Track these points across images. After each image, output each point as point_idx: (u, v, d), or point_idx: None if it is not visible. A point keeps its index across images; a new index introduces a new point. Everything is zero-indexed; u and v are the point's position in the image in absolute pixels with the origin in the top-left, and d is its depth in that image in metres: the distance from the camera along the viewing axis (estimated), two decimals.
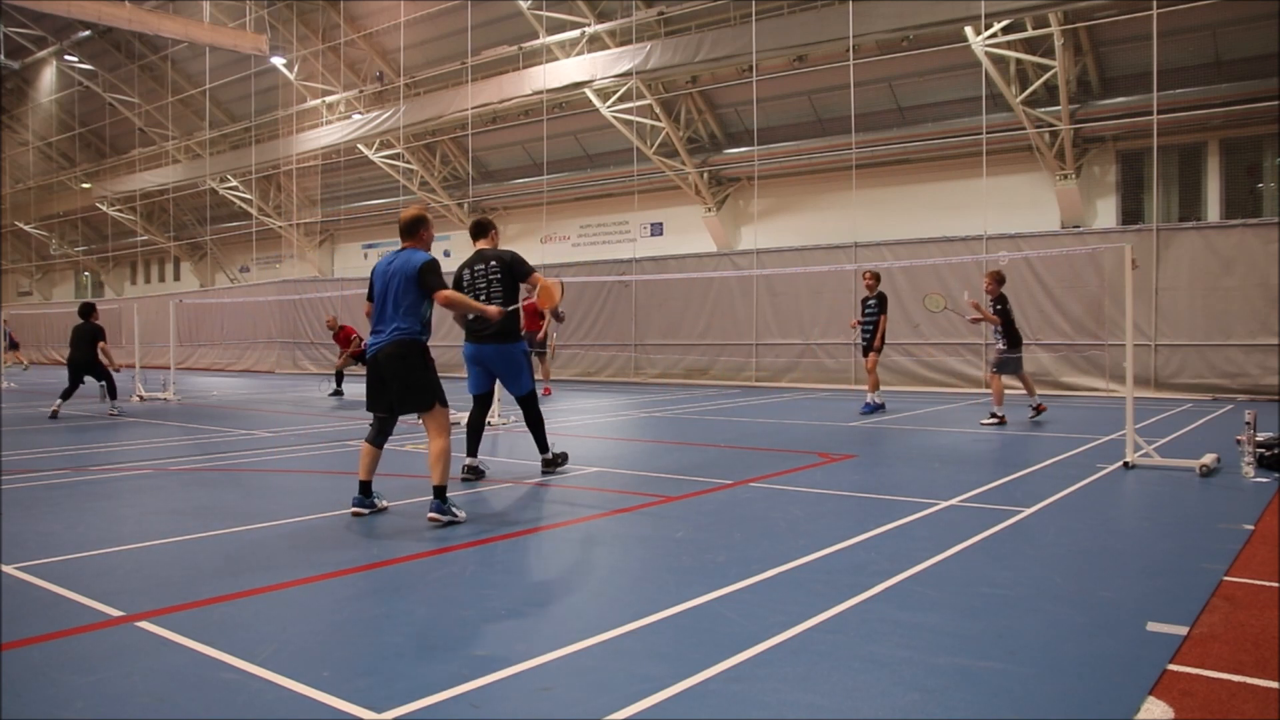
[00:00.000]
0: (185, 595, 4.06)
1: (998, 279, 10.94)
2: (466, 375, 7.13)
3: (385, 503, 5.84)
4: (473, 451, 7.04)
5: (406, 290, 5.45)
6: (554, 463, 7.17)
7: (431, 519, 5.36)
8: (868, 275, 12.24)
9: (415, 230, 5.66)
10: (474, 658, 3.22)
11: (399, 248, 5.68)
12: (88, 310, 13.51)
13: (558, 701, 2.84)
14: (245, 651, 3.25)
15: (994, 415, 10.72)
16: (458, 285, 6.69)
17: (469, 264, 6.85)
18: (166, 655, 3.28)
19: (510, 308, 6.57)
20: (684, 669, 3.06)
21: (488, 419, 11.22)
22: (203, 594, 4.07)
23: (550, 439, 7.36)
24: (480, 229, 6.98)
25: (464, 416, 11.31)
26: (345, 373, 17.73)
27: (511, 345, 6.78)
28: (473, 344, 6.84)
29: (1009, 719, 2.73)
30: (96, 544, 4.97)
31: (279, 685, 2.97)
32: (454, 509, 5.43)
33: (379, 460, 5.78)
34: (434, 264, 5.49)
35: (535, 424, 7.07)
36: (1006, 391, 11.12)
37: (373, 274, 5.67)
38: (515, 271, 6.67)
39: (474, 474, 6.95)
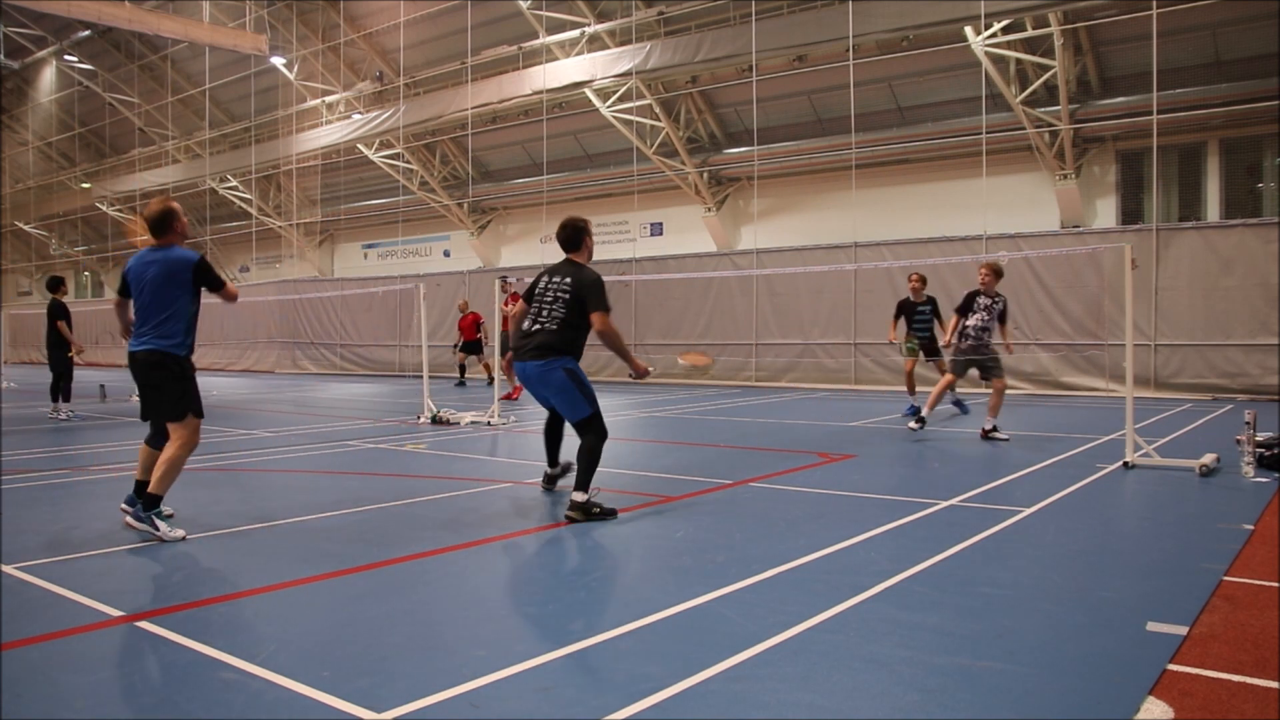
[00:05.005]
0: (185, 595, 4.07)
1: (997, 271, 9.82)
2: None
3: (169, 509, 5.49)
4: (552, 461, 6.54)
5: (167, 293, 5.18)
6: (586, 508, 5.59)
7: (128, 524, 5.04)
8: (914, 278, 11.57)
9: (170, 224, 5.26)
10: (474, 658, 3.21)
11: (153, 245, 5.28)
12: (55, 284, 12.22)
13: (558, 701, 2.84)
14: (245, 651, 3.25)
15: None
16: (532, 290, 6.13)
17: (549, 272, 6.15)
18: (166, 655, 3.28)
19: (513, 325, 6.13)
20: (684, 669, 3.06)
21: (446, 417, 11.14)
22: (203, 594, 4.07)
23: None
24: (571, 243, 6.20)
25: (467, 417, 11.22)
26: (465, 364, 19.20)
27: (548, 363, 5.80)
28: (518, 361, 6.03)
29: (1009, 719, 2.73)
30: (96, 544, 4.97)
31: (279, 685, 2.97)
32: (161, 525, 4.99)
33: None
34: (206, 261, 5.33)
35: (585, 458, 5.76)
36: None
37: (129, 274, 5.28)
38: (585, 300, 5.89)
39: (552, 482, 6.55)
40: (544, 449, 6.59)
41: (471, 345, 18.83)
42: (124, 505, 5.36)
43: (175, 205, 5.38)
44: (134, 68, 33.35)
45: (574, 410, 5.89)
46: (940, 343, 11.45)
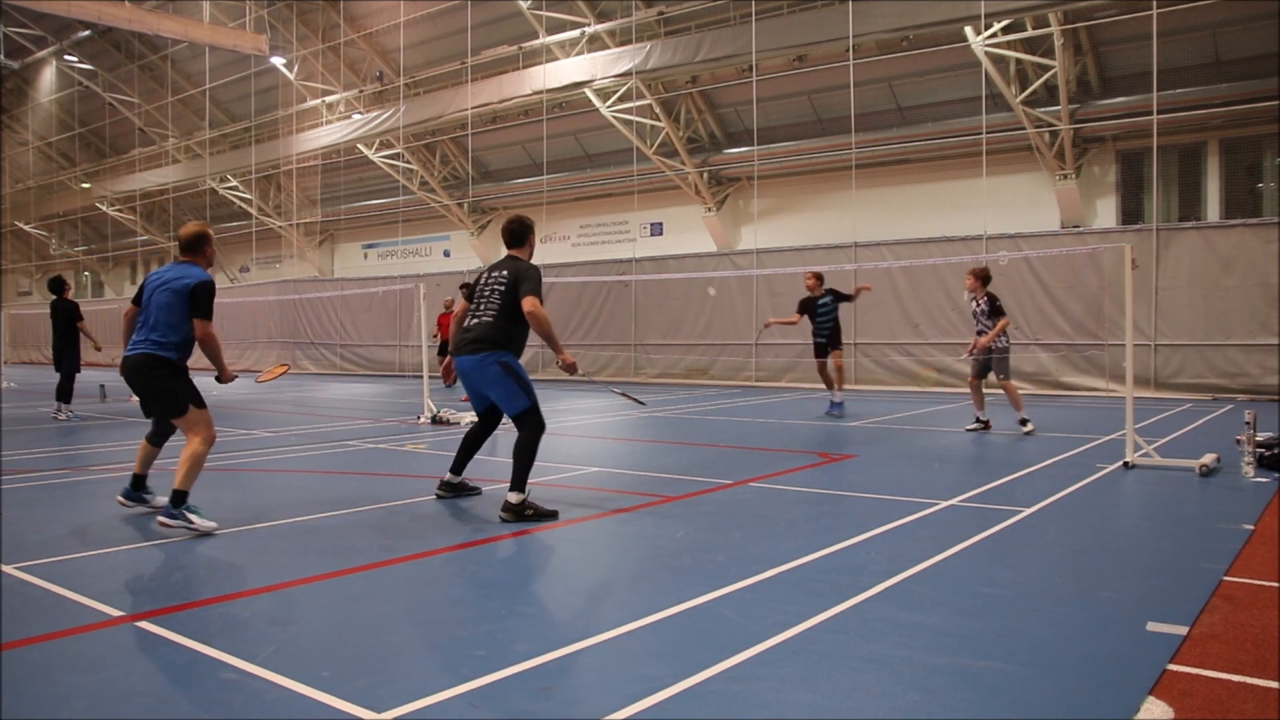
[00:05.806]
0: (185, 595, 4.07)
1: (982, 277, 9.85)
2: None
3: (161, 499, 5.59)
4: (457, 468, 6.23)
5: (171, 305, 5.37)
6: (519, 510, 5.51)
7: (161, 524, 5.08)
8: (809, 277, 12.22)
9: (199, 246, 5.57)
10: (474, 658, 3.22)
11: (178, 260, 5.58)
12: (60, 285, 12.36)
13: (558, 701, 2.84)
14: (245, 651, 3.25)
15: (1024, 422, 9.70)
16: (474, 288, 6.06)
17: (490, 268, 6.06)
18: (166, 655, 3.28)
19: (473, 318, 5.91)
20: (684, 669, 3.06)
21: (446, 417, 11.15)
22: (203, 594, 4.07)
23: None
24: (516, 238, 6.06)
25: (467, 417, 11.21)
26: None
27: (484, 356, 5.69)
28: (455, 356, 5.92)
29: (1009, 719, 2.73)
30: (96, 544, 4.97)
31: (279, 685, 2.97)
32: (193, 517, 5.12)
33: (155, 457, 5.81)
34: (211, 286, 5.45)
35: (520, 453, 5.64)
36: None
37: (145, 283, 5.60)
38: (516, 286, 5.74)
39: (449, 490, 6.24)
40: (461, 452, 6.22)
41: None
42: (120, 497, 5.72)
43: (210, 231, 5.69)
44: (134, 68, 33.36)
45: (511, 403, 5.73)
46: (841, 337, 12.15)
